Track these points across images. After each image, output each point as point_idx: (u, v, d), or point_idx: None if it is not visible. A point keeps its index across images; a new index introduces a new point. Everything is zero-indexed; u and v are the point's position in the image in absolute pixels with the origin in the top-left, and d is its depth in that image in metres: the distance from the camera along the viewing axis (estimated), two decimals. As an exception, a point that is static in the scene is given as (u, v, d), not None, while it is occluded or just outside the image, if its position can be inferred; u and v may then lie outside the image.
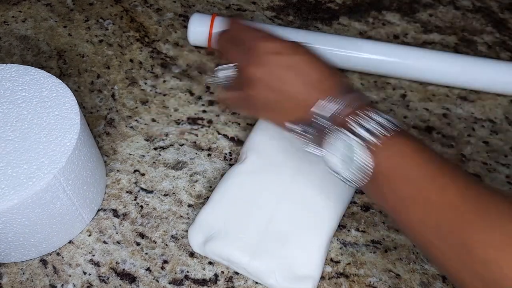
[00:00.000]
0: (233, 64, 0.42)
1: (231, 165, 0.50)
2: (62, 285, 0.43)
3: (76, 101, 0.43)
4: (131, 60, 0.58)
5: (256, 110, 0.43)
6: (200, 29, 0.56)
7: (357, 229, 0.47)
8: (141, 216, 0.47)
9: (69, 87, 0.43)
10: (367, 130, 0.35)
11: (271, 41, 0.40)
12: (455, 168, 0.34)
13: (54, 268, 0.44)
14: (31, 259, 0.44)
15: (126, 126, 0.53)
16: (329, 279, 0.44)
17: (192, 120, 0.53)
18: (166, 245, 0.45)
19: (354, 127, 0.35)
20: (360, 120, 0.35)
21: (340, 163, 0.36)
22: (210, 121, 0.53)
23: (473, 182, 0.33)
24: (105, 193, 0.48)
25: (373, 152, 0.34)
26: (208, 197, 0.47)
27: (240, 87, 0.42)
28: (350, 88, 0.39)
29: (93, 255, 0.44)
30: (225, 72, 0.43)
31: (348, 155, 0.35)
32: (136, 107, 0.54)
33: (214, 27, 0.56)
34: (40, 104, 0.42)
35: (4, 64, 0.45)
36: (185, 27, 0.61)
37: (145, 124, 0.53)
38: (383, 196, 0.35)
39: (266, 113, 0.43)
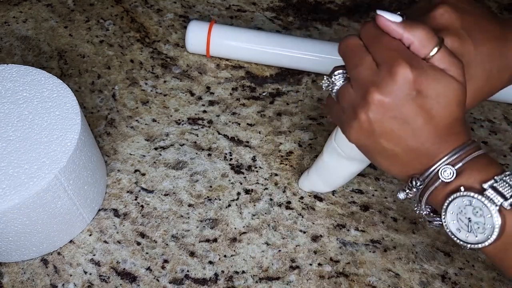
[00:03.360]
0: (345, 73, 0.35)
1: (231, 165, 0.50)
2: (63, 284, 0.43)
3: (77, 101, 0.43)
4: (132, 61, 0.59)
5: (355, 135, 0.35)
6: (198, 38, 0.56)
7: (357, 229, 0.47)
8: (142, 215, 0.47)
9: (69, 88, 0.44)
10: (502, 195, 0.31)
11: (416, 70, 0.31)
12: None
13: (55, 267, 0.44)
14: (32, 259, 0.44)
15: (126, 126, 0.53)
16: (328, 278, 0.44)
17: (193, 120, 0.54)
18: (167, 244, 0.45)
19: (490, 193, 0.31)
20: (495, 185, 0.31)
21: (463, 227, 0.33)
22: (210, 121, 0.54)
23: None
24: (105, 193, 0.48)
25: (504, 214, 0.31)
26: (208, 197, 0.48)
27: (350, 101, 0.34)
28: (468, 127, 0.34)
29: (94, 255, 0.45)
30: (339, 79, 0.36)
31: (474, 220, 0.32)
32: (137, 107, 0.55)
33: (212, 34, 0.56)
34: (41, 104, 0.42)
35: (5, 65, 0.45)
36: (185, 27, 0.61)
37: (146, 124, 0.53)
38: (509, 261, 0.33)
39: (365, 146, 0.35)
